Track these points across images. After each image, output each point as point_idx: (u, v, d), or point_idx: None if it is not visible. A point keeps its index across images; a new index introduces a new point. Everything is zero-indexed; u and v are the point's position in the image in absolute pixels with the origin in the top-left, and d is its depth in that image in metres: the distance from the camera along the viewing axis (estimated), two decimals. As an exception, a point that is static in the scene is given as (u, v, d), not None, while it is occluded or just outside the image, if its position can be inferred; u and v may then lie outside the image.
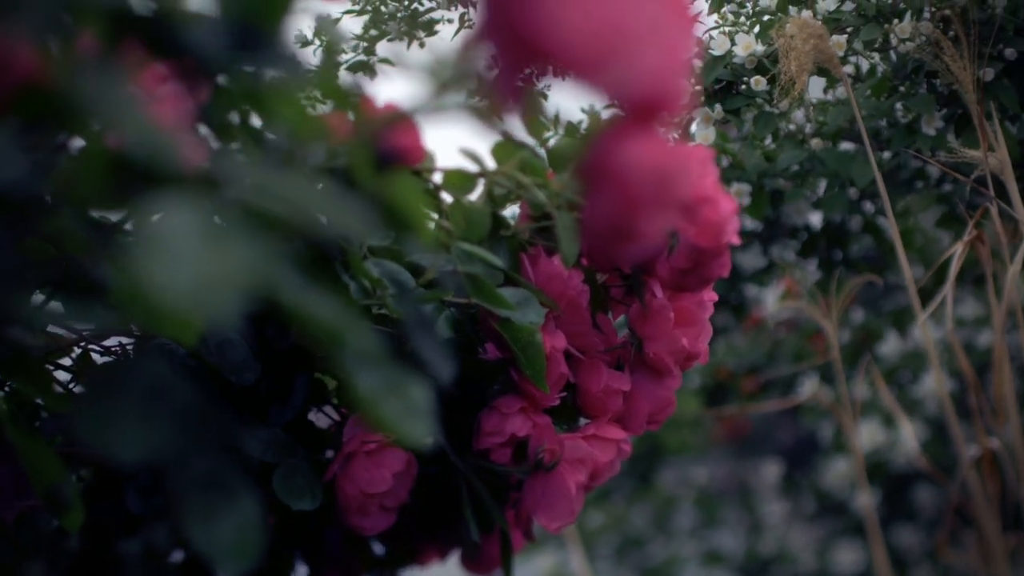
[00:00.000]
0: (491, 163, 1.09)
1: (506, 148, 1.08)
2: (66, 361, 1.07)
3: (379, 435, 1.06)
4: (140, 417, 0.57)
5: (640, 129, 0.66)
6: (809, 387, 2.44)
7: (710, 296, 1.14)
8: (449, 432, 1.11)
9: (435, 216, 1.13)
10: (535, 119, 0.92)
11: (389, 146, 0.66)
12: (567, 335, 1.10)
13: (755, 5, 1.76)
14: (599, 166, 0.66)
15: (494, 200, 1.06)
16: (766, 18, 1.73)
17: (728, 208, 1.01)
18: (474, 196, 1.11)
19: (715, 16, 1.79)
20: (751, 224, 2.15)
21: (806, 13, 1.69)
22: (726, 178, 1.98)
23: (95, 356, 1.08)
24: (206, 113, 0.88)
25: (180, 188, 0.51)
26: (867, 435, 2.42)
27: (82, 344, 1.06)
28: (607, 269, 1.14)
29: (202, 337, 1.01)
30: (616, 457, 1.13)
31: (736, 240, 1.03)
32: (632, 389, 1.14)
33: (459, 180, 1.08)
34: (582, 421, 1.18)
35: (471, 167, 1.07)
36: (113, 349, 1.06)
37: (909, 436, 2.20)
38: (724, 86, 1.78)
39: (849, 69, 1.87)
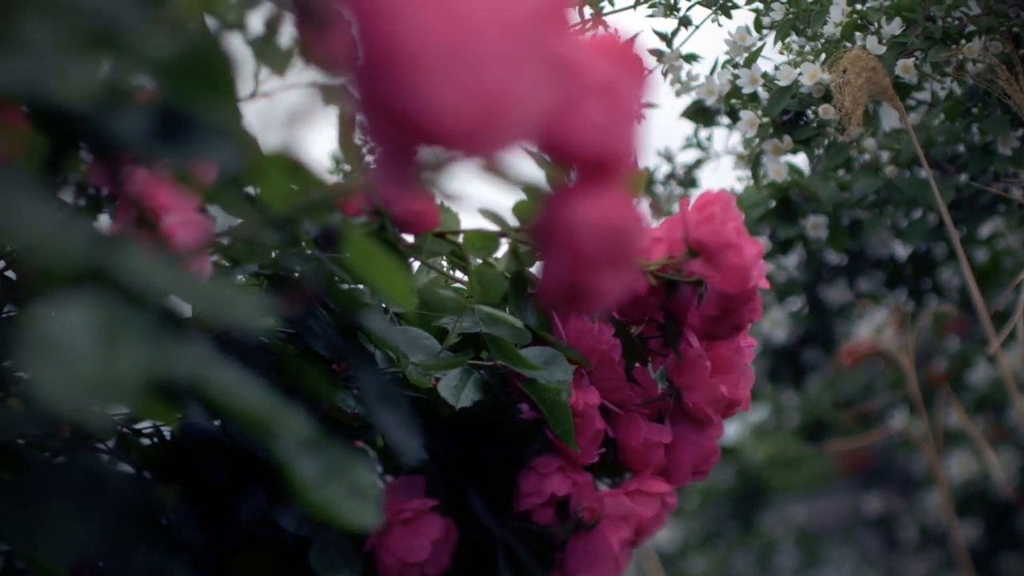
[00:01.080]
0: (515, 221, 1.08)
1: (528, 205, 1.07)
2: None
3: (415, 502, 1.05)
4: (73, 515, 0.56)
5: (589, 187, 0.64)
6: (899, 419, 2.40)
7: (748, 342, 1.12)
8: (490, 495, 1.10)
9: (463, 278, 1.12)
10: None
11: (332, 224, 0.65)
12: (601, 390, 1.09)
13: (819, 33, 1.73)
14: (550, 226, 0.65)
15: (519, 258, 1.05)
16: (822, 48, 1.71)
17: (752, 252, 0.99)
18: (499, 255, 1.10)
19: (779, 46, 1.77)
20: (835, 258, 2.12)
21: (871, 39, 1.66)
22: (801, 212, 1.96)
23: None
24: (210, 191, 0.88)
25: (76, 286, 0.50)
26: (961, 465, 2.37)
27: (119, 427, 1.06)
28: (640, 321, 1.12)
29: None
30: (661, 511, 1.11)
31: (764, 284, 1.02)
32: (674, 440, 1.12)
33: (480, 241, 1.08)
34: (628, 475, 1.16)
35: (493, 227, 1.06)
36: (145, 432, 1.06)
37: (995, 466, 2.15)
38: (792, 116, 1.76)
39: (926, 95, 1.84)
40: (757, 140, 1.81)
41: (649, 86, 0.68)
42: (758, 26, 1.79)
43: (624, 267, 0.66)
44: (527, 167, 0.69)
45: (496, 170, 0.59)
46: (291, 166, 0.69)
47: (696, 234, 1.00)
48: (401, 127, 0.47)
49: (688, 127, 2.13)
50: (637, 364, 1.15)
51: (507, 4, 0.49)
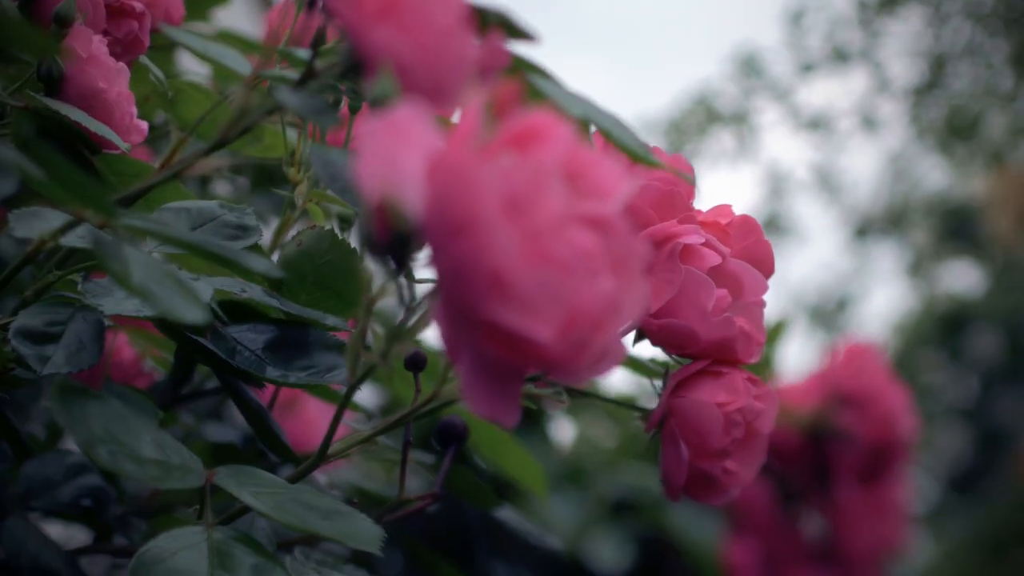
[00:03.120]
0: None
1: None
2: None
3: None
4: None
5: (710, 371, 0.64)
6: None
7: (902, 483, 1.11)
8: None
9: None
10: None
11: (445, 424, 0.65)
12: (760, 539, 1.08)
13: (981, 142, 1.72)
14: (669, 412, 0.64)
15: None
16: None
17: (899, 402, 0.99)
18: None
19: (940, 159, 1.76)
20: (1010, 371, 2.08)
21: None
22: (972, 327, 1.93)
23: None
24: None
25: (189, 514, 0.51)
26: None
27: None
28: (795, 468, 1.11)
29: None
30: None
31: (911, 431, 1.01)
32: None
33: (624, 399, 1.07)
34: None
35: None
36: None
37: None
38: (959, 230, 1.75)
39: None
40: (925, 255, 1.79)
41: (771, 264, 0.67)
42: (919, 138, 1.79)
43: (753, 451, 0.65)
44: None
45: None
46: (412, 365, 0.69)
47: (844, 386, 0.99)
48: (494, 349, 0.46)
49: (855, 246, 2.12)
50: (794, 509, 1.13)
51: (593, 201, 0.47)
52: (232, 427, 0.84)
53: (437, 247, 0.45)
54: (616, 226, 0.47)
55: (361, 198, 0.46)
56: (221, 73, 0.92)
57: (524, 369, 0.48)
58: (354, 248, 0.69)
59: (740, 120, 2.19)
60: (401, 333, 0.50)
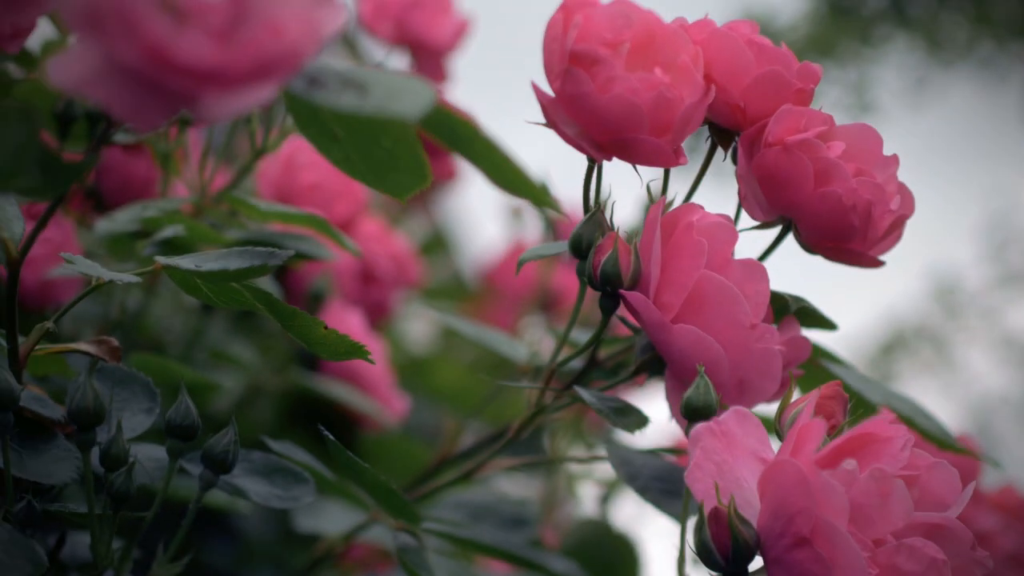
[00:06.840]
0: None
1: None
2: None
3: None
4: None
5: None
6: None
7: None
8: None
9: None
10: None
11: None
12: None
13: None
14: None
15: None
16: None
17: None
18: None
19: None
20: None
21: None
22: None
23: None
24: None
25: None
26: None
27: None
28: None
29: None
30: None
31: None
32: None
33: None
34: None
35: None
36: None
37: None
38: None
39: None
40: None
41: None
42: None
43: None
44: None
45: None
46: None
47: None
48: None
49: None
50: None
51: (930, 507, 0.47)
52: None
53: (776, 556, 0.44)
54: (959, 535, 0.46)
55: (692, 503, 0.45)
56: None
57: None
58: (625, 537, 0.69)
59: (938, 343, 2.12)
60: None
